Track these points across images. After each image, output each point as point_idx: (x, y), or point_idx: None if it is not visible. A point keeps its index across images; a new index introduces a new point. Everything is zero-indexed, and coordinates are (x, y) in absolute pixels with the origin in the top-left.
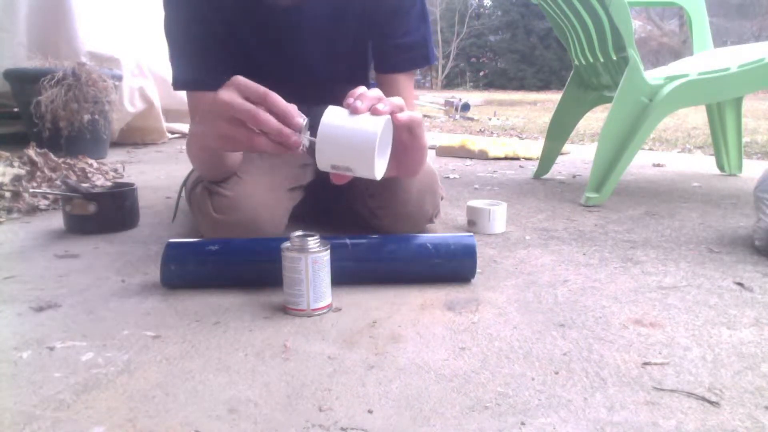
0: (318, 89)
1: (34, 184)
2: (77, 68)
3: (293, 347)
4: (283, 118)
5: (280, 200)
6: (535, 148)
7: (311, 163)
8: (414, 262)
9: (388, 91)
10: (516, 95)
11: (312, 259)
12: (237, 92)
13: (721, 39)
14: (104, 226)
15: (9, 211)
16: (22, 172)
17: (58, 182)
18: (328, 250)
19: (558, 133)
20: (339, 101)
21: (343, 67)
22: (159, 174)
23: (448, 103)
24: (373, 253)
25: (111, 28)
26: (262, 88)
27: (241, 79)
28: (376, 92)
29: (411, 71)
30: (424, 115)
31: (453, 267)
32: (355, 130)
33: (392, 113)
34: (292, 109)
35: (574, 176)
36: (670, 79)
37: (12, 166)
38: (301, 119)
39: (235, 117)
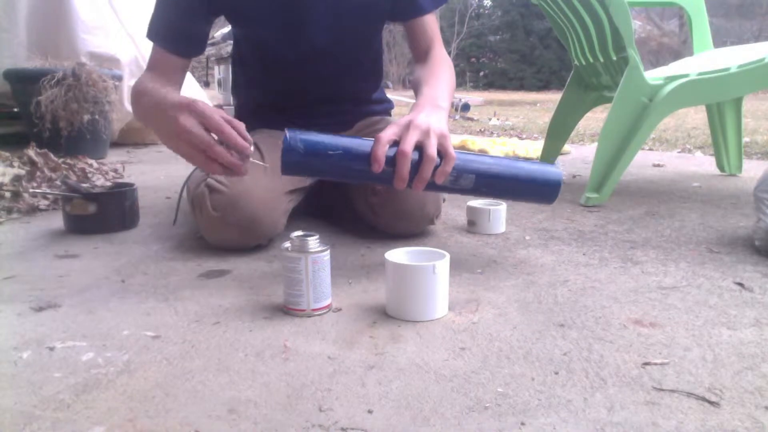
0: (322, 64)
1: (34, 184)
2: (77, 68)
3: (293, 347)
4: (234, 148)
5: (279, 201)
6: (535, 148)
7: None
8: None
9: (420, 36)
10: (516, 95)
11: (312, 259)
12: (196, 120)
13: (721, 39)
14: (104, 226)
15: (9, 211)
16: (22, 172)
17: (58, 182)
18: (328, 250)
19: (558, 133)
20: (344, 74)
21: (350, 40)
22: (159, 174)
23: None
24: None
25: (111, 28)
26: (217, 119)
27: (200, 105)
28: None
29: (434, 11)
30: None
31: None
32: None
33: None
34: (242, 142)
35: (574, 176)
36: (670, 79)
37: (12, 166)
38: (251, 148)
39: (192, 142)
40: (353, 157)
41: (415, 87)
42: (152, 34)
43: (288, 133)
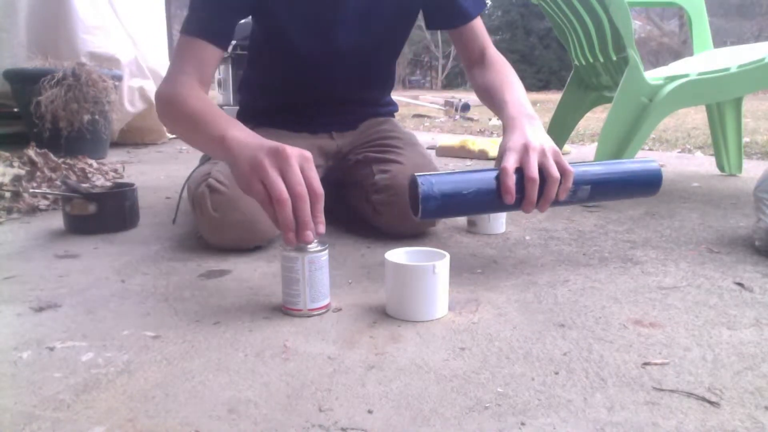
0: (347, 65)
1: (34, 184)
2: (77, 68)
3: (293, 347)
4: (299, 222)
5: None
6: None
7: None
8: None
9: (470, 41)
10: None
11: (309, 259)
12: (278, 170)
13: (721, 39)
14: (104, 226)
15: (9, 211)
16: (22, 172)
17: (58, 182)
18: (326, 250)
19: (558, 133)
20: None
21: (377, 43)
22: (159, 174)
23: (448, 104)
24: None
25: (111, 28)
26: (301, 186)
27: (292, 160)
28: None
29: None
30: (423, 115)
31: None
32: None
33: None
34: (309, 223)
35: None
36: (670, 79)
37: (12, 166)
38: (311, 235)
39: (263, 182)
40: (485, 192)
41: (489, 93)
42: (191, 28)
43: (420, 179)
